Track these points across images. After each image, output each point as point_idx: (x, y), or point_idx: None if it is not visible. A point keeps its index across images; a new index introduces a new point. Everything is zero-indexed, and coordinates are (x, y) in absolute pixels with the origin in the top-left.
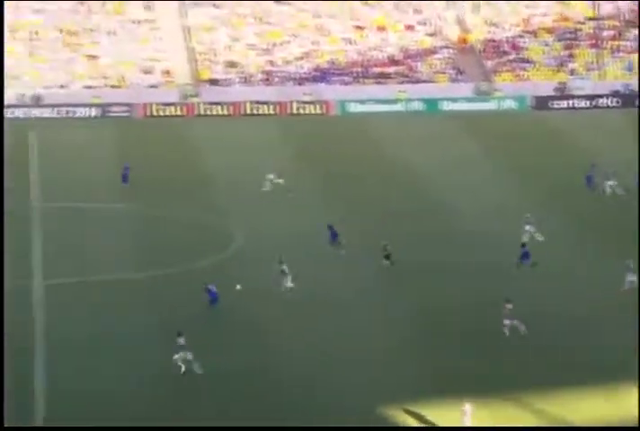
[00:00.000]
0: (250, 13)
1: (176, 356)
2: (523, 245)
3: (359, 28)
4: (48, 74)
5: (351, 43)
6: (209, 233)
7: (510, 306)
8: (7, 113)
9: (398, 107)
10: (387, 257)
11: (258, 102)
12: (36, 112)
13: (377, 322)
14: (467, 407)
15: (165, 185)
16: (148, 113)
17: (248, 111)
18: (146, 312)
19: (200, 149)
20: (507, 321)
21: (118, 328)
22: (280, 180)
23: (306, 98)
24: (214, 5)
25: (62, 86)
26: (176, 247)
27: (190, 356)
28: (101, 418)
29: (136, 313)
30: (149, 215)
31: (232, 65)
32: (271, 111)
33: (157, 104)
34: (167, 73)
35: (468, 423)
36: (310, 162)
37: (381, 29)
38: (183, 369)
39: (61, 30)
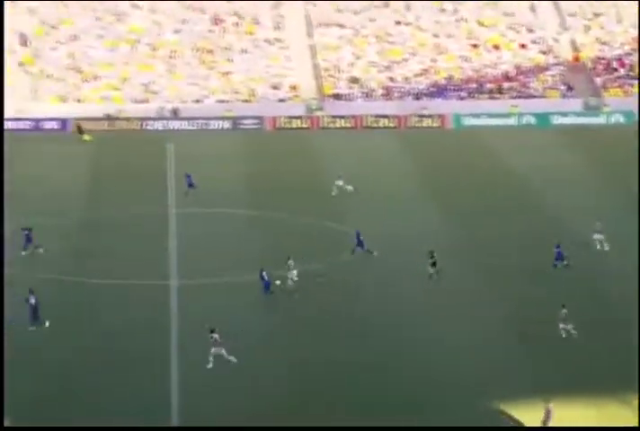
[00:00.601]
0: (372, 33)
1: (213, 350)
2: (557, 246)
3: (474, 46)
4: (185, 89)
5: (466, 61)
6: (330, 236)
7: (565, 311)
8: (147, 125)
9: (511, 121)
10: (434, 264)
11: (378, 116)
12: (174, 125)
13: (470, 322)
14: (551, 406)
15: (291, 192)
16: (277, 126)
17: (369, 124)
18: (271, 311)
19: (323, 159)
20: (562, 325)
21: (247, 326)
22: (350, 187)
23: (424, 112)
24: (339, 26)
25: (197, 101)
26: (302, 249)
27: (223, 351)
28: (230, 417)
29: (261, 313)
30: (276, 220)
31: (354, 81)
32: (391, 124)
33: (285, 117)
34: (294, 88)
35: (551, 423)
36: (426, 171)
37: (496, 47)
38: (211, 365)
39: (198, 49)
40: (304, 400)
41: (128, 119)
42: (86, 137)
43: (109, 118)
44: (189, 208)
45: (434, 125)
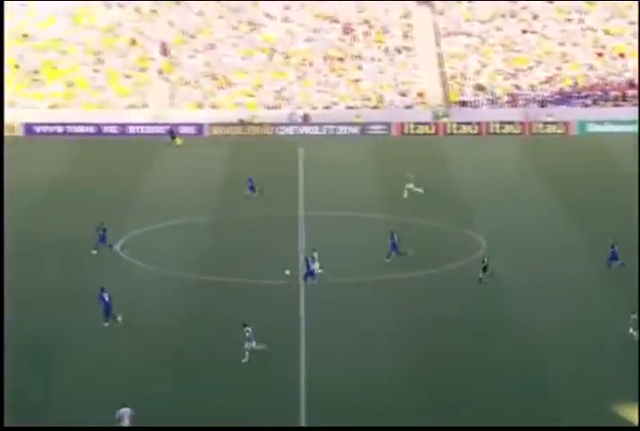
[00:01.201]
0: (498, 42)
1: (246, 346)
2: (612, 246)
3: (599, 55)
4: (315, 95)
5: (592, 69)
6: (458, 239)
7: (634, 316)
8: (279, 131)
9: (635, 128)
10: (485, 269)
11: (503, 122)
12: (304, 130)
13: (584, 323)
14: None
15: (418, 196)
16: (404, 131)
17: (494, 131)
18: (402, 309)
19: (449, 165)
20: (632, 331)
21: (376, 325)
22: (419, 189)
23: (549, 119)
24: (466, 34)
25: (327, 107)
26: (428, 252)
27: (255, 345)
28: (356, 413)
29: (392, 311)
30: (403, 223)
31: (480, 88)
32: (515, 131)
33: (412, 123)
34: (421, 95)
35: None
36: (550, 176)
37: (621, 55)
38: (247, 358)
39: (328, 57)
40: (427, 398)
41: (260, 125)
42: (178, 142)
43: (242, 123)
44: (318, 211)
45: (558, 131)
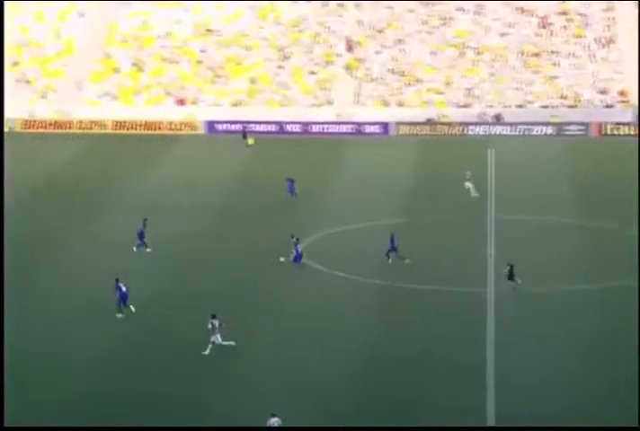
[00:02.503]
0: None
1: (212, 338)
2: None
3: None
4: (508, 93)
5: None
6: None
7: None
8: (468, 131)
9: None
10: (511, 277)
11: None
12: (495, 130)
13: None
14: None
15: (617, 201)
16: (602, 132)
17: None
18: (591, 319)
19: None
20: None
21: (564, 334)
22: (471, 186)
23: None
24: None
25: (521, 106)
26: (624, 260)
27: (219, 338)
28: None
29: (580, 320)
30: (601, 229)
31: None
32: None
33: (612, 123)
34: (623, 93)
35: None
36: None
37: None
38: (208, 351)
39: (523, 53)
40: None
41: (449, 124)
42: (250, 141)
43: (430, 122)
44: (509, 215)
45: None
